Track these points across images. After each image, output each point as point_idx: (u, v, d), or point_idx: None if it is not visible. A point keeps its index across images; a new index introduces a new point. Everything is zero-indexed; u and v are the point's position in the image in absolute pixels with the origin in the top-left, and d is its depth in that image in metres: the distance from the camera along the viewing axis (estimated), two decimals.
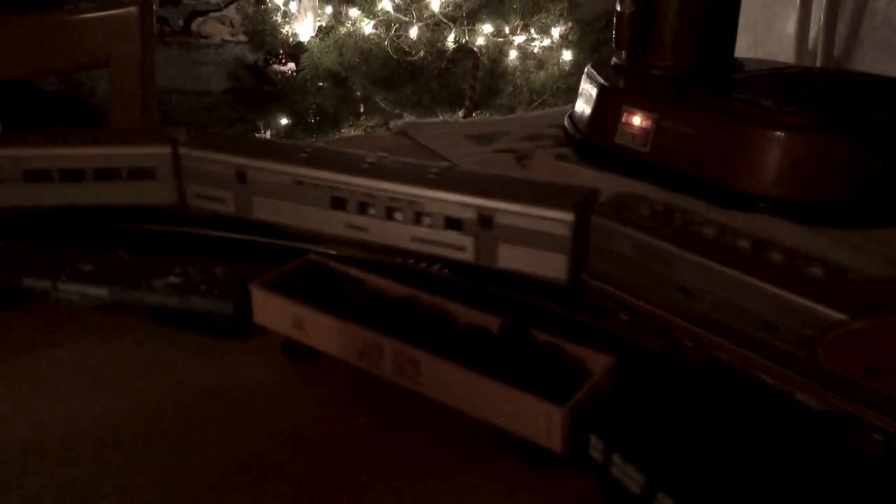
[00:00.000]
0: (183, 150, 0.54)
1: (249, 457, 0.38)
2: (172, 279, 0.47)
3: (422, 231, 0.49)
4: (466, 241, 0.48)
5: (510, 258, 0.47)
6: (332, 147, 0.57)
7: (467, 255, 0.48)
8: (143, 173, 0.55)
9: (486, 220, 0.47)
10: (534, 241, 0.46)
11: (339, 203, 0.51)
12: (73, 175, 0.55)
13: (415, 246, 0.50)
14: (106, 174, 0.55)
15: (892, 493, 0.31)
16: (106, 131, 0.61)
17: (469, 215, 0.47)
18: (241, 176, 0.53)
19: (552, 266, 0.46)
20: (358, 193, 0.50)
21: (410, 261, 0.52)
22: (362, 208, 0.51)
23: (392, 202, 0.49)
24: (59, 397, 0.43)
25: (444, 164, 0.53)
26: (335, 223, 0.52)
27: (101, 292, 0.48)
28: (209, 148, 0.54)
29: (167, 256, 0.49)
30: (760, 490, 0.30)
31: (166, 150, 0.55)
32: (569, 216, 0.45)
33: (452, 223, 0.48)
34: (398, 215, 0.50)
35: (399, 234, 0.50)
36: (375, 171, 0.51)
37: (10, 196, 0.55)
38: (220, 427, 0.40)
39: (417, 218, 0.49)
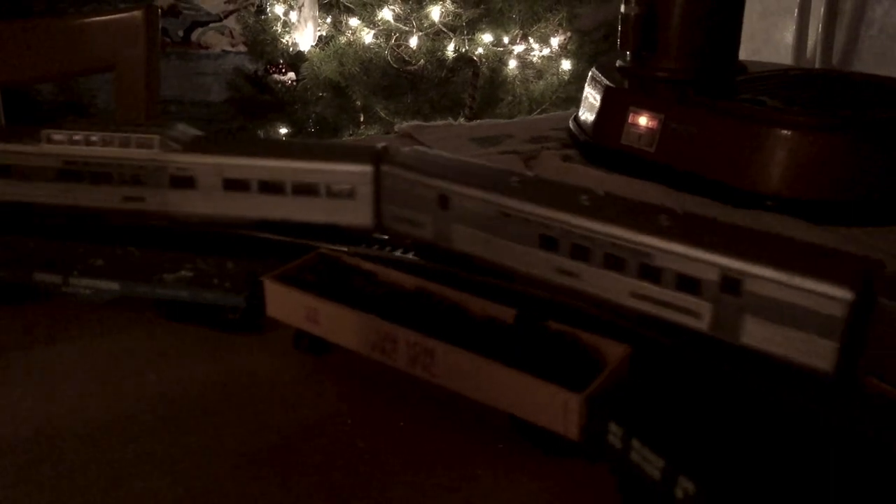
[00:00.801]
0: (385, 169, 0.51)
1: (262, 449, 0.38)
2: (184, 273, 0.47)
3: (647, 287, 0.41)
4: (703, 306, 0.39)
5: (758, 335, 0.38)
6: (546, 177, 0.51)
7: (701, 324, 0.40)
8: (342, 192, 0.51)
9: (730, 284, 0.38)
10: (793, 317, 0.37)
11: (548, 243, 0.44)
12: (271, 188, 0.52)
13: (635, 303, 0.42)
14: (304, 190, 0.51)
15: None
16: (309, 144, 0.57)
17: (709, 276, 0.39)
18: (444, 201, 0.48)
19: (814, 352, 0.36)
20: (573, 234, 0.43)
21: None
22: (576, 252, 0.43)
23: (613, 249, 0.42)
24: (71, 390, 0.43)
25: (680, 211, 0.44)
26: (543, 265, 0.45)
27: (112, 286, 0.48)
28: (412, 168, 0.50)
29: (178, 251, 0.49)
30: (780, 471, 0.30)
31: (367, 168, 0.51)
32: (846, 294, 0.35)
33: (687, 283, 0.40)
34: (619, 265, 0.42)
35: (617, 287, 0.42)
36: (595, 210, 0.43)
37: (212, 204, 0.53)
38: (233, 420, 0.40)
39: (643, 271, 0.41)
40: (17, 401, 0.42)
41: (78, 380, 0.44)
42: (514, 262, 0.46)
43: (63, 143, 0.53)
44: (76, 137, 0.53)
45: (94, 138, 0.53)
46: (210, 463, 0.37)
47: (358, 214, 0.51)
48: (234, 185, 0.52)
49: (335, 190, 0.51)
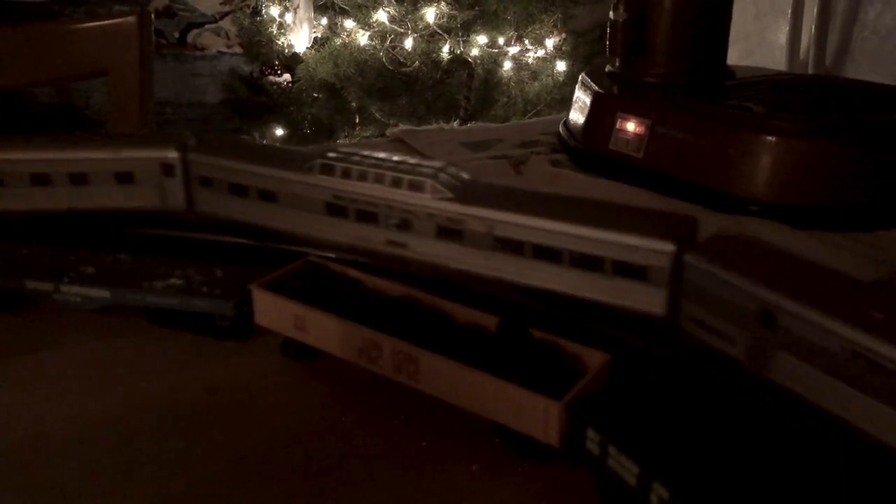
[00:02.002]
0: (689, 259, 0.40)
1: (251, 454, 0.39)
2: (173, 281, 0.48)
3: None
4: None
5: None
6: None
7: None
8: (634, 271, 0.42)
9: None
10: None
11: None
12: (546, 254, 0.44)
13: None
14: (585, 262, 0.43)
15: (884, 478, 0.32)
16: (603, 204, 0.45)
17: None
18: (768, 318, 0.36)
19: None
20: None
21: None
22: None
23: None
24: (61, 397, 0.43)
25: None
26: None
27: (102, 294, 0.48)
28: (728, 265, 0.39)
29: (167, 259, 0.50)
30: (753, 477, 0.31)
31: (668, 247, 0.41)
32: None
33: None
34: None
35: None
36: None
37: (478, 262, 0.46)
38: (222, 425, 0.41)
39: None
40: (7, 406, 0.42)
41: (68, 385, 0.44)
42: (863, 419, 0.33)
43: (335, 177, 0.49)
44: (349, 170, 0.49)
45: (367, 173, 0.48)
46: (199, 467, 0.38)
47: (649, 300, 0.42)
48: (505, 244, 0.45)
49: (624, 266, 0.43)
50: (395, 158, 0.49)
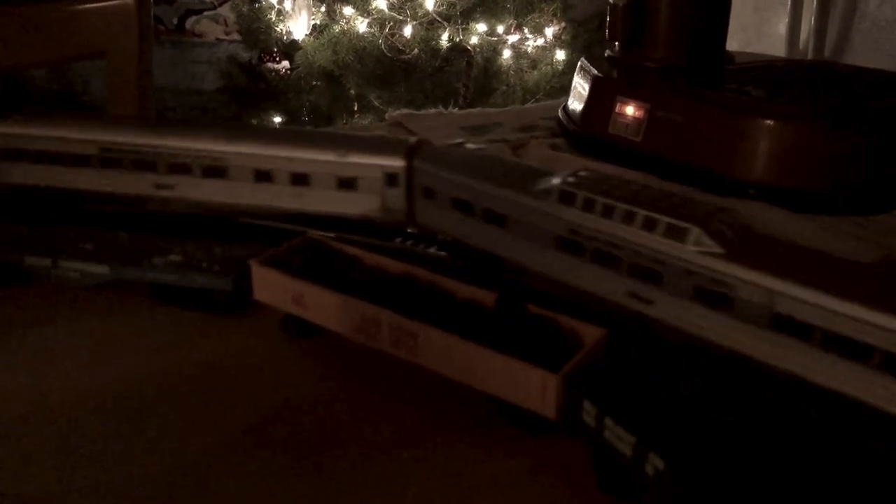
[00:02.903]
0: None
1: (249, 429, 0.39)
2: (173, 257, 0.48)
3: None
4: None
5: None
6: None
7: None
8: None
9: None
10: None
11: None
12: (852, 350, 0.33)
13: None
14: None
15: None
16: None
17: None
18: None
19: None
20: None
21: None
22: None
23: None
24: (61, 371, 0.43)
25: None
26: None
27: (101, 270, 0.48)
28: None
29: (166, 235, 0.50)
30: (747, 449, 0.31)
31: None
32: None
33: None
34: None
35: None
36: None
37: (752, 342, 0.36)
38: (221, 400, 0.41)
39: None
40: (8, 379, 0.43)
41: (68, 360, 0.44)
42: None
43: (574, 208, 0.42)
44: (592, 201, 0.41)
45: (614, 208, 0.40)
46: (199, 441, 0.38)
47: None
48: (785, 323, 0.35)
49: None
50: (660, 190, 0.42)
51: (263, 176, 0.52)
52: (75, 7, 0.97)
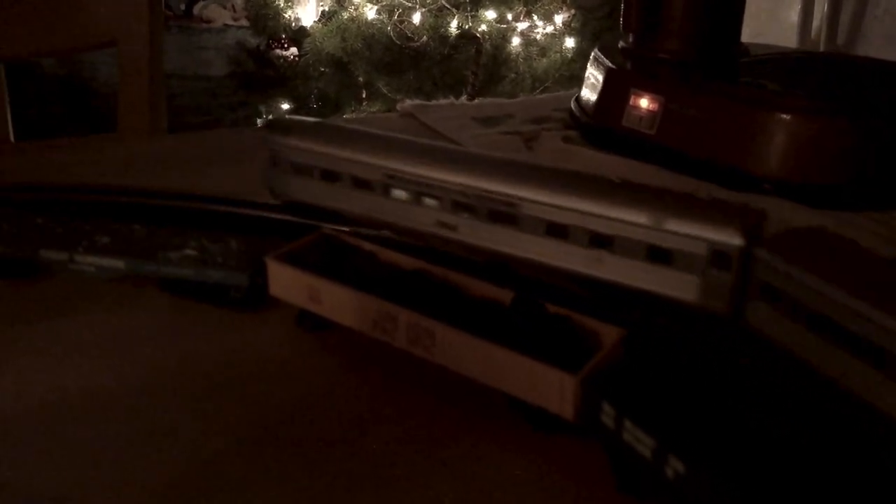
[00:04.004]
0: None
1: (264, 424, 0.39)
2: (188, 251, 0.48)
3: None
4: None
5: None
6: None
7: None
8: None
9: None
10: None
11: None
12: None
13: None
14: None
15: None
16: None
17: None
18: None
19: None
20: None
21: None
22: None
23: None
24: (76, 365, 0.43)
25: None
26: None
27: (117, 264, 0.48)
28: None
29: (182, 229, 0.50)
30: (768, 452, 0.31)
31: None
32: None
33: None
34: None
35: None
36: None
37: None
38: (236, 394, 0.41)
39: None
40: (22, 373, 0.43)
41: (83, 353, 0.44)
42: None
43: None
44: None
45: None
46: (215, 436, 0.38)
47: None
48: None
49: None
50: None
51: (557, 230, 0.44)
52: None
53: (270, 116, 2.40)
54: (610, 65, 0.76)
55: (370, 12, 2.17)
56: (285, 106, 2.41)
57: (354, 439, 0.38)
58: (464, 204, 0.47)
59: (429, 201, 0.48)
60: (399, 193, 0.49)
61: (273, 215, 0.55)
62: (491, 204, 0.46)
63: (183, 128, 2.24)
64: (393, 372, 0.42)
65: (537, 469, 0.36)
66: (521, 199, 0.45)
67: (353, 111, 2.28)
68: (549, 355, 0.36)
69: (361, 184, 0.50)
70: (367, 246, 0.47)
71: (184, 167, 0.72)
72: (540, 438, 0.38)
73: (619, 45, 0.80)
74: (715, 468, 0.30)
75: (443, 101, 0.91)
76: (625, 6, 0.76)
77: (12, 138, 1.02)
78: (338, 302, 0.43)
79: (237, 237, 0.49)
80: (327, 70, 2.27)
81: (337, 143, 0.51)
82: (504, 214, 0.46)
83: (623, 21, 0.77)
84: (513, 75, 2.25)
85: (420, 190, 0.48)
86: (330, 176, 0.51)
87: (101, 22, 0.96)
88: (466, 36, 2.19)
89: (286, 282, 0.45)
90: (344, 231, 0.49)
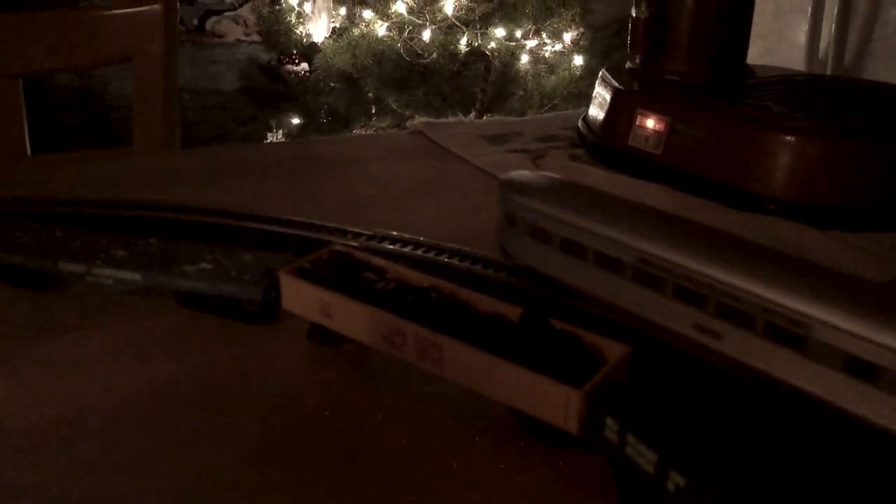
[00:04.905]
0: None
1: (277, 436, 0.40)
2: (203, 265, 0.49)
3: None
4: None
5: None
6: None
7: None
8: None
9: None
10: None
11: None
12: None
13: None
14: None
15: None
16: None
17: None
18: None
19: None
20: None
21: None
22: None
23: None
24: (93, 376, 0.44)
25: None
26: None
27: (134, 277, 0.49)
28: None
29: (197, 243, 0.51)
30: (769, 470, 0.32)
31: None
32: None
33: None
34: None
35: None
36: None
37: None
38: (250, 408, 0.42)
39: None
40: (41, 384, 0.44)
41: (100, 365, 0.45)
42: None
43: None
44: None
45: None
46: (229, 447, 0.39)
47: None
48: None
49: None
50: None
51: (862, 369, 0.34)
52: (104, 13, 0.99)
53: (281, 131, 2.43)
54: (617, 85, 0.77)
55: (381, 29, 2.19)
56: (295, 121, 2.43)
57: (365, 452, 0.39)
58: (734, 310, 0.38)
59: (688, 298, 0.40)
60: (652, 282, 0.41)
61: (286, 230, 0.57)
62: (771, 317, 0.36)
63: (194, 140, 2.26)
64: (402, 385, 0.43)
65: (544, 481, 0.37)
66: (816, 320, 0.35)
67: (362, 126, 2.30)
68: (556, 370, 0.37)
69: (608, 263, 0.43)
70: (378, 261, 0.48)
71: (198, 181, 0.74)
72: (547, 452, 0.38)
73: (627, 66, 0.81)
74: (716, 483, 0.31)
75: (451, 119, 0.92)
76: (632, 28, 0.77)
77: (29, 151, 1.04)
78: (349, 316, 0.44)
79: (251, 251, 0.51)
80: (337, 85, 2.30)
81: (582, 210, 0.45)
82: (788, 334, 0.36)
83: (630, 42, 0.78)
84: (521, 92, 2.27)
85: (679, 283, 0.39)
86: (571, 248, 0.44)
87: (118, 39, 0.98)
88: (476, 53, 2.21)
89: (298, 296, 0.46)
90: (354, 246, 0.50)
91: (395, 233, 0.56)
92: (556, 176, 0.51)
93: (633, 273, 0.41)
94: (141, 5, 0.99)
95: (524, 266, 0.49)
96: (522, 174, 0.50)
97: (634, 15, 0.76)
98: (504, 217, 0.49)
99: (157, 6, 0.97)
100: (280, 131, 2.45)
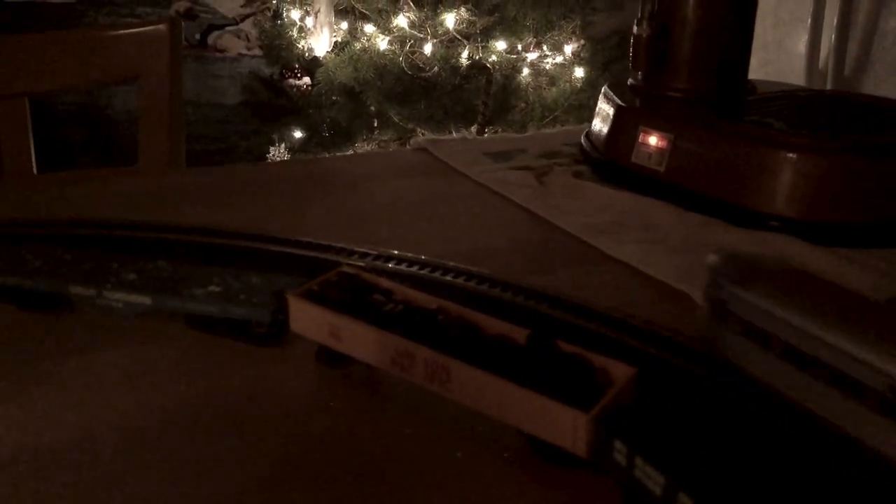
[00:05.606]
0: None
1: (286, 458, 0.40)
2: (212, 288, 0.50)
3: None
4: None
5: None
6: None
7: None
8: None
9: None
10: None
11: None
12: None
13: None
14: None
15: None
16: None
17: None
18: None
19: None
20: None
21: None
22: None
23: None
24: (104, 399, 0.45)
25: None
26: None
27: (144, 300, 0.50)
28: None
29: (206, 266, 0.52)
30: (778, 491, 0.32)
31: None
32: None
33: None
34: None
35: None
36: None
37: None
38: (257, 429, 0.43)
39: None
40: (51, 407, 0.44)
41: (110, 387, 0.46)
42: None
43: None
44: None
45: None
46: (239, 469, 0.39)
47: None
48: None
49: None
50: None
51: None
52: (110, 33, 1.00)
53: (283, 144, 2.43)
54: (620, 102, 0.78)
55: (382, 43, 2.20)
56: (297, 134, 2.44)
57: (374, 474, 0.39)
58: None
59: None
60: None
61: (293, 250, 0.57)
62: None
63: (197, 154, 2.27)
64: (411, 407, 0.43)
65: (551, 502, 0.37)
66: None
67: (364, 140, 2.31)
68: (564, 393, 0.37)
69: (845, 385, 0.35)
70: (386, 283, 0.48)
71: (206, 200, 0.74)
72: (557, 474, 0.39)
73: (629, 83, 0.82)
74: None
75: (455, 136, 0.93)
76: (634, 45, 0.78)
77: (35, 170, 1.05)
78: (357, 339, 0.45)
79: (259, 274, 0.51)
80: (339, 99, 2.31)
81: (818, 315, 0.36)
82: None
83: (632, 59, 0.79)
84: (522, 105, 2.28)
85: None
86: (798, 360, 0.36)
87: (124, 58, 0.99)
88: (477, 66, 2.22)
89: (307, 318, 0.46)
90: (362, 267, 0.50)
91: (400, 252, 0.56)
92: (779, 259, 0.42)
93: (883, 403, 0.33)
94: (147, 25, 1.00)
95: (741, 369, 0.40)
96: (736, 255, 0.41)
97: (636, 32, 0.77)
98: (711, 305, 0.41)
99: (162, 25, 0.98)
100: (282, 145, 2.46)
